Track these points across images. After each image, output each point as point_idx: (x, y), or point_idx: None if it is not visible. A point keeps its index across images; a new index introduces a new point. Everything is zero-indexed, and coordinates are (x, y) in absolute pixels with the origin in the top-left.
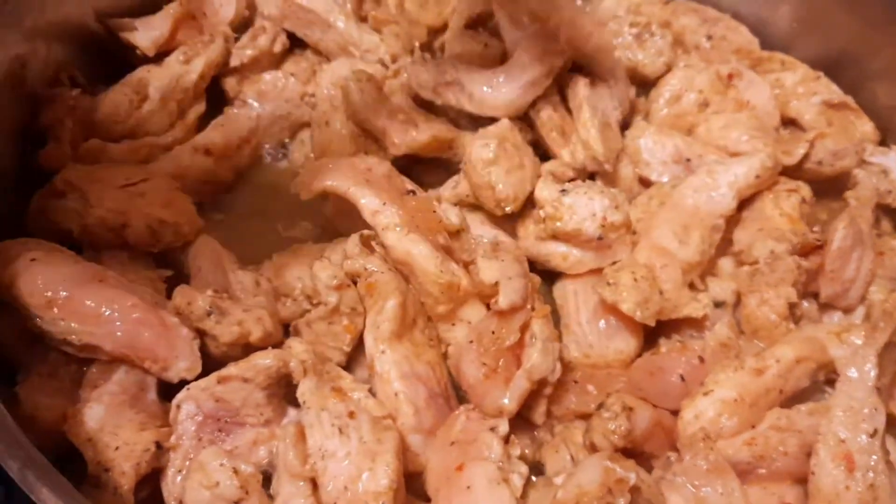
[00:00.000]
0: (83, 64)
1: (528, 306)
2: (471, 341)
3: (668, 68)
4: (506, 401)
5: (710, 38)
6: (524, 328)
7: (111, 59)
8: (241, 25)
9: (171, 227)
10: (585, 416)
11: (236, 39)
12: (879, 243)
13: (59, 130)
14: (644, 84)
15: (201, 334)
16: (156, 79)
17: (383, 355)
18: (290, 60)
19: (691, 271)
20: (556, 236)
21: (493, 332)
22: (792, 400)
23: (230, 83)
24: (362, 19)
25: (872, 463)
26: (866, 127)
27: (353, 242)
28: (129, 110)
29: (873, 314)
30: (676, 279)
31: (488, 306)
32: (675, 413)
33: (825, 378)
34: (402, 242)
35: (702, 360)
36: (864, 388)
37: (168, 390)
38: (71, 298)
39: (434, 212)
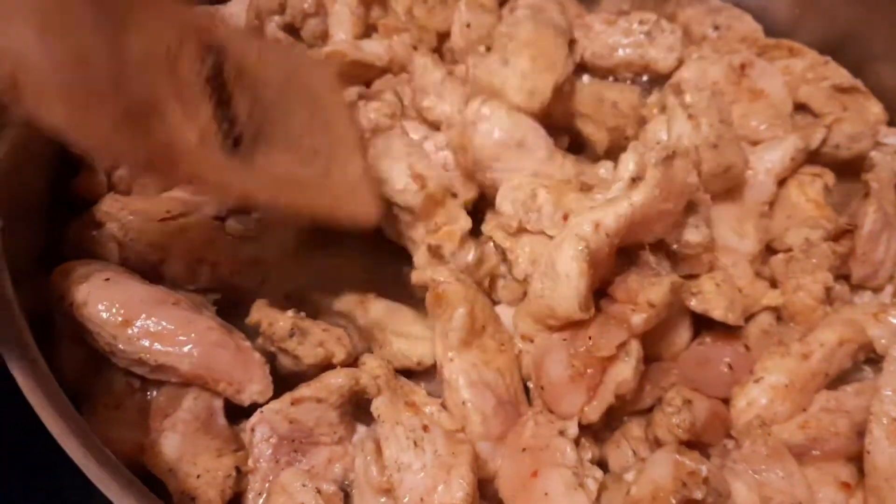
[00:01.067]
0: None
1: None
2: (564, 339)
3: (680, 62)
4: (588, 411)
5: (716, 28)
6: (622, 346)
7: None
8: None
9: (210, 267)
10: (640, 412)
11: None
12: None
13: (92, 159)
14: (656, 80)
15: (275, 354)
16: None
17: (452, 363)
18: None
19: (755, 261)
20: None
21: (590, 339)
22: (836, 381)
23: None
24: (371, 27)
25: None
26: (875, 108)
27: (421, 253)
28: None
29: None
30: (748, 274)
31: None
32: (724, 401)
33: (864, 358)
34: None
35: (747, 348)
36: None
37: (232, 414)
38: (148, 319)
39: None
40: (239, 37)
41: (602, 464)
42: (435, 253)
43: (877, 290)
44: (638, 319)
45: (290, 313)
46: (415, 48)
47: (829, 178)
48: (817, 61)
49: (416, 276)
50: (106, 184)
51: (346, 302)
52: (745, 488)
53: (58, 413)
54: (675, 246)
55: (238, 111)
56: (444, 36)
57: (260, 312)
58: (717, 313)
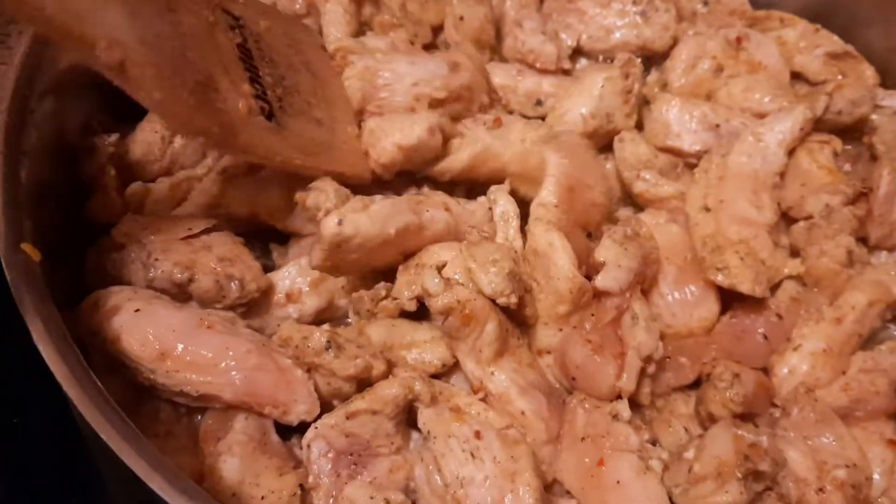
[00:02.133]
0: (104, 107)
1: (627, 295)
2: (574, 327)
3: (675, 41)
4: (624, 380)
5: (705, 3)
6: (622, 309)
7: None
8: None
9: (239, 283)
10: (682, 389)
11: None
12: None
13: (103, 179)
14: (653, 58)
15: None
16: None
17: (495, 377)
18: None
19: (774, 232)
20: None
21: (592, 315)
22: (868, 342)
23: None
24: (365, 25)
25: None
26: (868, 72)
27: (431, 279)
28: (162, 147)
29: None
30: (769, 245)
31: None
32: (762, 370)
33: (891, 316)
34: (547, 235)
35: (779, 317)
36: None
37: (281, 429)
38: (185, 349)
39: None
40: (250, 6)
41: (654, 444)
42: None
43: (892, 249)
44: (600, 278)
45: (325, 326)
46: (411, 43)
47: (837, 144)
48: (808, 29)
49: (439, 304)
50: (121, 203)
51: (349, 332)
52: (799, 455)
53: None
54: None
55: (265, 82)
56: (438, 29)
57: (291, 329)
58: (745, 287)
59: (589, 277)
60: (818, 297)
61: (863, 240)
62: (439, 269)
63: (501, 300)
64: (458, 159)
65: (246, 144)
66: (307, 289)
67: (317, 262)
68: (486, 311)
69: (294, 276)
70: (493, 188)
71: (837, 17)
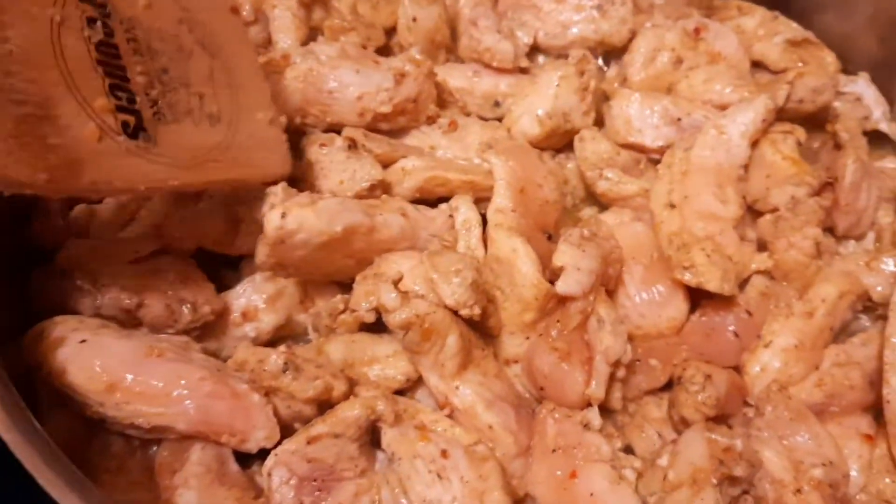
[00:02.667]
0: None
1: (591, 297)
2: (539, 335)
3: (633, 34)
4: (593, 387)
5: None
6: (586, 313)
7: None
8: None
9: (191, 306)
10: (654, 392)
11: None
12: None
13: (46, 202)
14: (611, 53)
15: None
16: None
17: (460, 391)
18: None
19: (740, 226)
20: None
21: (557, 321)
22: (839, 334)
23: None
24: (316, 30)
25: None
26: (829, 58)
27: (387, 293)
28: None
29: (885, 236)
30: (735, 240)
31: None
32: (735, 369)
33: (861, 307)
34: (510, 241)
35: (749, 313)
36: None
37: (244, 456)
38: (135, 379)
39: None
40: None
41: (628, 451)
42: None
43: (859, 238)
44: (560, 283)
45: (282, 348)
46: (364, 47)
47: (800, 133)
48: (767, 17)
49: (397, 320)
50: (65, 227)
51: (307, 351)
52: (775, 456)
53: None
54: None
55: (135, 84)
56: (391, 31)
57: (246, 351)
58: (713, 285)
59: (553, 282)
60: (788, 291)
61: (830, 230)
62: (395, 282)
63: (465, 311)
64: (406, 188)
65: (93, 181)
66: (263, 306)
67: (261, 259)
68: (446, 324)
69: (249, 293)
70: (456, 196)
71: (795, 2)
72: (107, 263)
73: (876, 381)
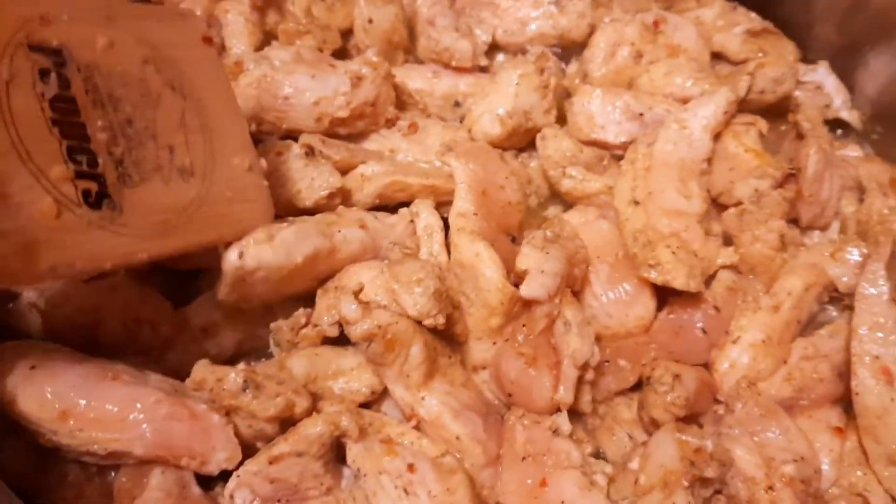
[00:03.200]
0: None
1: (556, 300)
2: (506, 340)
3: (593, 29)
4: (561, 392)
5: None
6: (552, 316)
7: None
8: None
9: (150, 324)
10: (623, 392)
11: None
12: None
13: None
14: (571, 49)
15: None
16: None
17: (426, 401)
18: None
19: (704, 220)
20: None
21: (523, 325)
22: (807, 327)
23: None
24: (270, 34)
25: None
26: (789, 48)
27: (348, 305)
28: None
29: (849, 226)
30: (700, 235)
31: None
32: (704, 366)
33: (828, 298)
34: (473, 245)
35: (717, 308)
36: (881, 302)
37: (206, 477)
38: (88, 405)
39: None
40: (79, 19)
41: (599, 455)
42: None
43: (824, 228)
44: (525, 287)
45: (241, 366)
46: (320, 50)
47: (762, 125)
48: (726, 8)
49: (358, 332)
50: None
51: (269, 367)
52: (746, 453)
53: None
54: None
55: (96, 142)
56: (348, 33)
57: (204, 370)
58: (679, 283)
59: (518, 286)
60: (754, 284)
61: (794, 221)
62: (356, 293)
63: (428, 321)
64: (365, 195)
65: (52, 266)
66: (224, 321)
67: (222, 296)
68: (409, 334)
69: (208, 308)
70: (416, 202)
71: None
72: (59, 283)
73: (844, 372)
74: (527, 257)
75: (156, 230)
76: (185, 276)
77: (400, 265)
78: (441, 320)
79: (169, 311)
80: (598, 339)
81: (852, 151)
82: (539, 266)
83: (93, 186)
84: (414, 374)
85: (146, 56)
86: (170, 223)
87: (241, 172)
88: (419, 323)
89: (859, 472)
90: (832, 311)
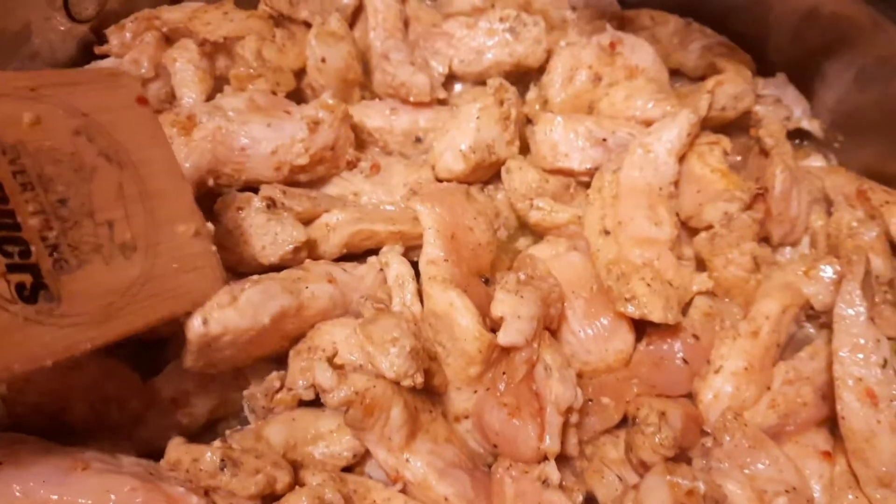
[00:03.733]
0: None
1: (535, 345)
2: (487, 389)
3: (549, 54)
4: (548, 442)
5: (574, 8)
6: (532, 362)
7: None
8: None
9: (117, 402)
10: (609, 431)
11: None
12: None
13: None
14: (528, 75)
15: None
16: None
17: (410, 463)
18: None
19: (676, 246)
20: None
21: (503, 373)
22: (786, 347)
23: None
24: (221, 80)
25: (894, 391)
26: (745, 61)
27: (323, 373)
28: None
29: (819, 240)
30: (673, 263)
31: None
32: (688, 396)
33: (804, 316)
34: (445, 294)
35: (696, 336)
36: (859, 323)
37: None
38: (61, 500)
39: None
40: (0, 100)
41: (591, 500)
42: (335, 366)
43: (794, 243)
44: (502, 335)
45: (216, 443)
46: (274, 93)
47: (726, 143)
48: (680, 24)
49: (335, 400)
50: None
51: (246, 438)
52: (738, 487)
53: None
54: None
55: (28, 230)
56: (300, 73)
57: (178, 450)
58: (656, 316)
59: (494, 330)
60: (731, 308)
61: (765, 239)
62: (330, 359)
63: (406, 382)
64: (332, 245)
65: None
66: (194, 389)
67: (189, 365)
68: (388, 396)
69: (177, 378)
70: (384, 250)
71: (706, 6)
72: None
73: (828, 394)
74: (501, 303)
75: (99, 316)
76: (151, 346)
77: (373, 324)
78: (419, 379)
79: (137, 385)
80: (580, 376)
81: (815, 161)
82: (514, 312)
83: (27, 278)
84: (396, 437)
85: (77, 127)
86: (114, 306)
87: (187, 240)
88: (397, 384)
89: (851, 496)
90: (809, 329)
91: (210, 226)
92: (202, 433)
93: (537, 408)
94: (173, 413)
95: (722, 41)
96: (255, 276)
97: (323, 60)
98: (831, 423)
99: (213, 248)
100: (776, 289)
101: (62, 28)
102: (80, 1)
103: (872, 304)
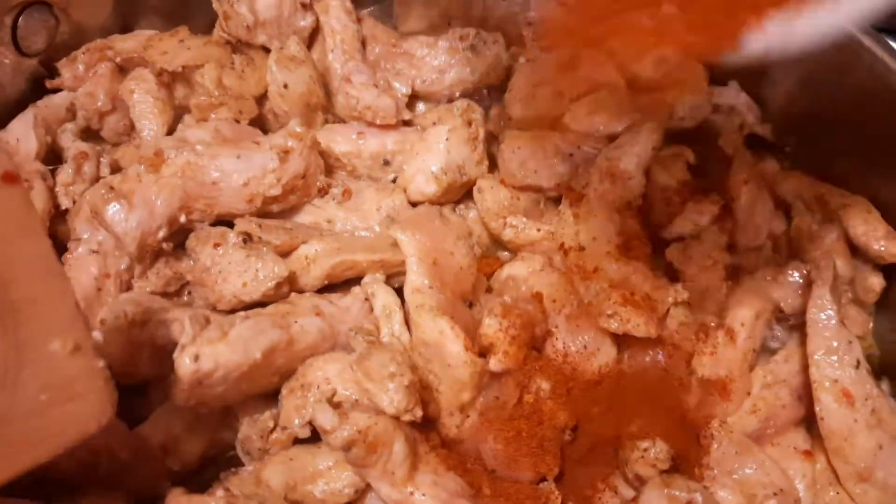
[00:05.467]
0: None
1: (525, 367)
2: (480, 413)
3: (510, 70)
4: (548, 462)
5: (530, 24)
6: (523, 385)
7: None
8: (49, 155)
9: (106, 454)
10: (601, 445)
11: (53, 173)
12: None
13: None
14: (491, 92)
15: None
16: None
17: (415, 497)
18: None
19: (649, 259)
20: None
21: (496, 398)
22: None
23: (61, 229)
24: (181, 109)
25: (868, 389)
26: (697, 69)
27: (324, 413)
28: None
29: (781, 244)
30: (649, 276)
31: None
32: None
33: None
34: (435, 323)
35: (674, 346)
36: (831, 326)
37: None
38: None
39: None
40: None
41: None
42: (335, 405)
43: (757, 249)
44: (493, 363)
45: (220, 493)
46: (237, 121)
47: (689, 154)
48: None
49: (339, 440)
50: None
51: (245, 483)
52: (729, 493)
53: None
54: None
55: None
56: (263, 98)
57: (176, 501)
58: (640, 331)
59: (483, 354)
60: (705, 316)
61: (731, 246)
62: (329, 398)
63: (406, 417)
64: (312, 278)
65: None
66: (183, 434)
67: (180, 402)
68: (389, 432)
69: (165, 423)
70: (366, 280)
71: None
72: None
73: (804, 395)
74: (490, 328)
75: None
76: (131, 391)
77: (368, 360)
78: (419, 413)
79: (125, 434)
80: (567, 393)
81: (770, 165)
82: (504, 339)
83: None
84: (399, 471)
85: None
86: None
87: (62, 360)
88: (397, 418)
89: (832, 492)
90: (777, 331)
91: (97, 334)
92: (192, 477)
93: (533, 431)
94: (164, 459)
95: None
96: (243, 312)
97: (285, 86)
98: (807, 423)
99: (101, 363)
100: (747, 295)
101: (8, 62)
102: (30, 34)
103: (840, 307)
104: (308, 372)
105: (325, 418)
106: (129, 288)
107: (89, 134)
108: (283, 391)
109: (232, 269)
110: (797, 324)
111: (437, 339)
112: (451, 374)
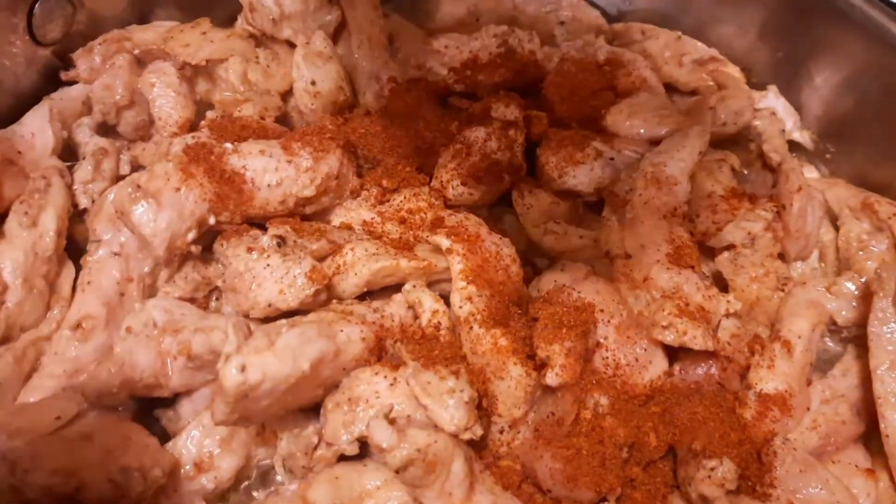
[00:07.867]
0: None
1: (582, 381)
2: (535, 429)
3: (543, 71)
4: (611, 482)
5: (562, 22)
6: (581, 398)
7: None
8: (64, 151)
9: (139, 473)
10: (655, 461)
11: (70, 170)
12: None
13: None
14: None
15: None
16: (5, 258)
17: None
18: None
19: (699, 267)
20: None
21: (552, 414)
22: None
23: (79, 229)
24: (203, 104)
25: None
26: (735, 73)
27: (381, 431)
28: None
29: (828, 253)
30: (701, 286)
31: None
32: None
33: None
34: (490, 335)
35: (728, 359)
36: (895, 340)
37: None
38: None
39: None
40: None
41: None
42: (392, 421)
43: (805, 258)
44: (550, 377)
45: None
46: (262, 118)
47: (734, 160)
48: (671, 38)
49: (398, 460)
50: None
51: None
52: None
53: None
54: None
55: None
56: (287, 94)
57: None
58: (697, 343)
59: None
60: (756, 327)
61: (780, 256)
62: (386, 415)
63: (466, 435)
64: (352, 285)
65: None
66: (218, 450)
67: (221, 418)
68: (449, 451)
69: (198, 439)
70: (408, 287)
71: (687, 18)
72: (24, 441)
73: (862, 410)
74: (545, 341)
75: None
76: (161, 404)
77: (423, 374)
78: (479, 432)
79: (157, 451)
80: (620, 406)
81: (810, 173)
82: (561, 351)
83: None
84: (457, 492)
85: None
86: None
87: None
88: (455, 436)
89: None
90: (829, 342)
91: None
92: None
93: (592, 450)
94: (197, 477)
95: (713, 54)
96: (284, 320)
97: (313, 83)
98: (866, 439)
99: None
100: (802, 307)
101: (21, 52)
102: (46, 21)
103: None
104: (354, 385)
105: (384, 436)
106: (153, 293)
107: (105, 129)
108: (328, 405)
109: (268, 274)
110: (849, 336)
111: (489, 350)
112: (504, 388)
